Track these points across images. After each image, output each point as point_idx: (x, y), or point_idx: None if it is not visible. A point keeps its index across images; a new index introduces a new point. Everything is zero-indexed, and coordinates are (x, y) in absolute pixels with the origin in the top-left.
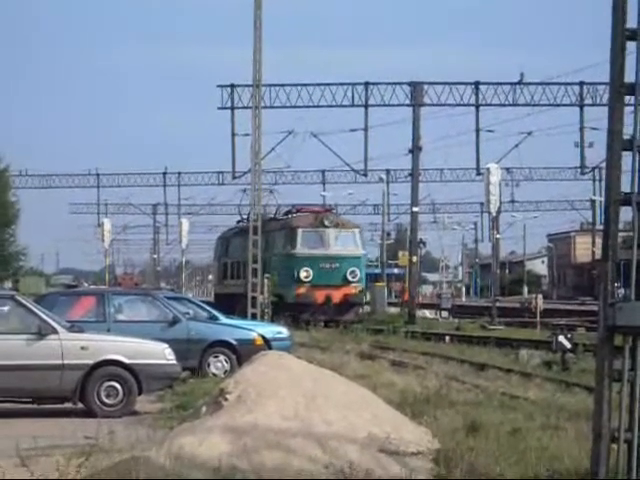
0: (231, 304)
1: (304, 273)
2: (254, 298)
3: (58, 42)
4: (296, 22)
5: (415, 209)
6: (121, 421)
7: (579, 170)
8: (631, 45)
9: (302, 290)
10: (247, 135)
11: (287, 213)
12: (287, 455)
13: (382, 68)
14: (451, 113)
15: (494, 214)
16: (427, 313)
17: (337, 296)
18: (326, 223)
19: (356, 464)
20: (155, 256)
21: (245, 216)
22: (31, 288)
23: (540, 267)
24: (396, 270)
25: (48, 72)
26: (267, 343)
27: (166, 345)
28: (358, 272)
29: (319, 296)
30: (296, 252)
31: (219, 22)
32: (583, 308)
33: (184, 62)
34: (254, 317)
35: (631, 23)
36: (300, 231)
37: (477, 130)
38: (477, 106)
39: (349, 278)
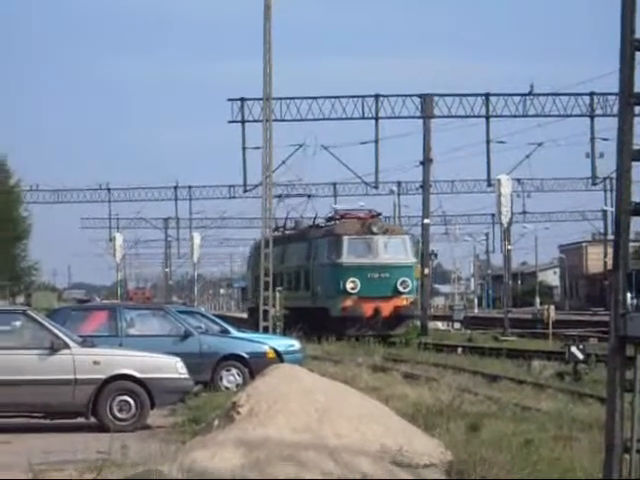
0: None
1: (351, 284)
2: (266, 311)
3: (67, 55)
4: (306, 35)
5: (426, 221)
6: (134, 435)
7: (590, 180)
8: None
9: (349, 302)
10: (258, 148)
11: (330, 219)
12: (299, 468)
13: (392, 80)
14: (461, 124)
15: (505, 225)
16: (439, 325)
17: (387, 309)
18: (374, 229)
19: (369, 476)
20: (167, 270)
21: (281, 224)
22: (43, 303)
23: (552, 278)
24: None
25: (59, 85)
26: (279, 356)
27: (178, 359)
28: (409, 282)
29: (367, 309)
30: (342, 261)
31: (229, 36)
32: (595, 319)
33: (195, 76)
34: (266, 330)
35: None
36: (346, 239)
37: (488, 141)
38: (487, 117)
39: (400, 289)
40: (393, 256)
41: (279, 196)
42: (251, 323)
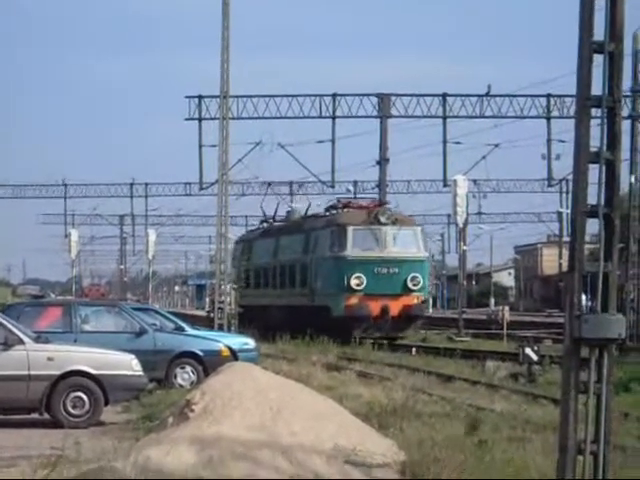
0: (255, 318)
1: (356, 280)
2: (221, 309)
3: (25, 51)
4: (264, 33)
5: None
6: (87, 432)
7: (546, 182)
8: (598, 58)
9: (353, 300)
10: (214, 146)
11: (330, 208)
12: (253, 466)
13: (350, 80)
14: (418, 125)
15: (461, 226)
16: None
17: (396, 307)
18: (382, 219)
19: (322, 475)
20: (122, 267)
21: (270, 215)
22: None
23: (507, 279)
24: None
25: (19, 82)
26: (234, 354)
27: (133, 356)
28: (420, 278)
29: (374, 307)
30: (346, 254)
31: (188, 33)
32: (550, 320)
33: (153, 73)
34: (221, 328)
35: (598, 36)
36: (351, 229)
37: (444, 142)
38: (444, 118)
39: (410, 286)
40: (403, 249)
41: (300, 185)
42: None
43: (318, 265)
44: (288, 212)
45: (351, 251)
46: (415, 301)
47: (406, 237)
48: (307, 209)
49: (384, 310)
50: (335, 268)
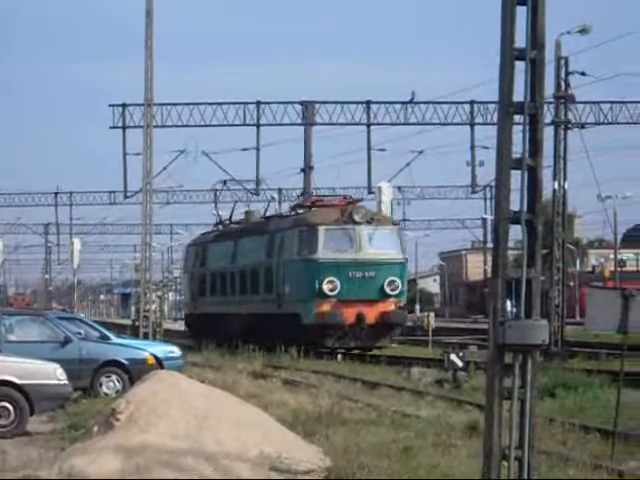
0: (212, 328)
1: (329, 285)
2: (146, 317)
3: None
4: (188, 41)
5: None
6: (12, 442)
7: (470, 189)
8: (520, 64)
9: (326, 307)
10: (138, 154)
11: (296, 207)
12: (179, 474)
13: (274, 88)
14: (343, 132)
15: None
16: None
17: (372, 314)
18: (356, 218)
19: None
20: (47, 276)
21: (226, 216)
22: None
23: (432, 285)
24: None
25: None
26: (159, 362)
27: (57, 365)
28: (399, 283)
29: (348, 315)
30: (317, 257)
31: (112, 39)
32: (475, 326)
33: (77, 81)
34: (146, 336)
35: (520, 43)
36: (322, 229)
37: (369, 149)
38: (368, 125)
39: (387, 291)
40: (380, 251)
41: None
42: (190, 332)
43: (285, 269)
44: (246, 212)
45: (323, 253)
46: (393, 307)
47: (383, 237)
48: (266, 209)
49: (360, 317)
50: (305, 272)
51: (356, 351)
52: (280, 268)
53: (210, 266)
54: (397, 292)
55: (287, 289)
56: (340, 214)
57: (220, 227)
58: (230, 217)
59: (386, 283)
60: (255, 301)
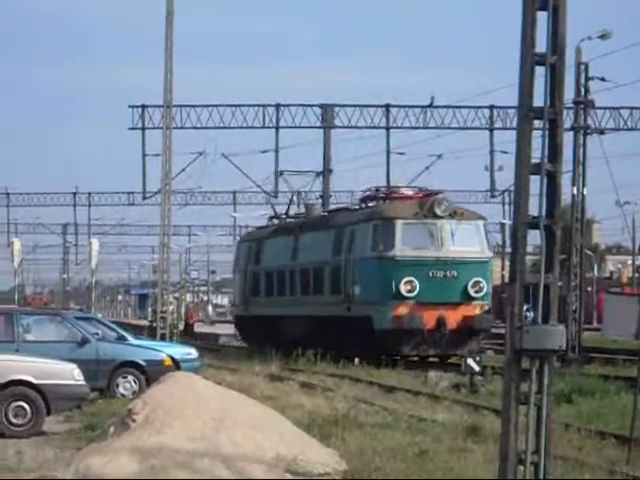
0: (267, 331)
1: (406, 285)
2: (163, 319)
3: None
4: (208, 43)
5: None
6: (29, 441)
7: (489, 193)
8: (540, 69)
9: (403, 310)
10: (158, 155)
11: (366, 199)
12: (194, 475)
13: (293, 90)
14: (362, 135)
15: None
16: None
17: (454, 319)
18: (438, 212)
19: None
20: (65, 276)
21: (283, 210)
22: None
23: None
24: None
25: None
26: (176, 364)
27: (75, 365)
28: (484, 284)
29: (428, 319)
30: (394, 254)
31: (132, 41)
32: (492, 331)
33: (96, 82)
34: (163, 338)
35: (540, 48)
36: (400, 223)
37: (388, 152)
38: (388, 128)
39: (471, 293)
40: (464, 248)
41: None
42: (241, 336)
43: (356, 267)
44: (306, 206)
45: (400, 250)
46: (477, 311)
47: (467, 233)
48: (323, 203)
49: (440, 322)
50: (380, 271)
51: (433, 359)
52: (350, 266)
53: (266, 264)
54: (482, 294)
55: (358, 289)
56: (419, 207)
57: (275, 222)
58: (287, 211)
59: (470, 284)
60: (319, 303)
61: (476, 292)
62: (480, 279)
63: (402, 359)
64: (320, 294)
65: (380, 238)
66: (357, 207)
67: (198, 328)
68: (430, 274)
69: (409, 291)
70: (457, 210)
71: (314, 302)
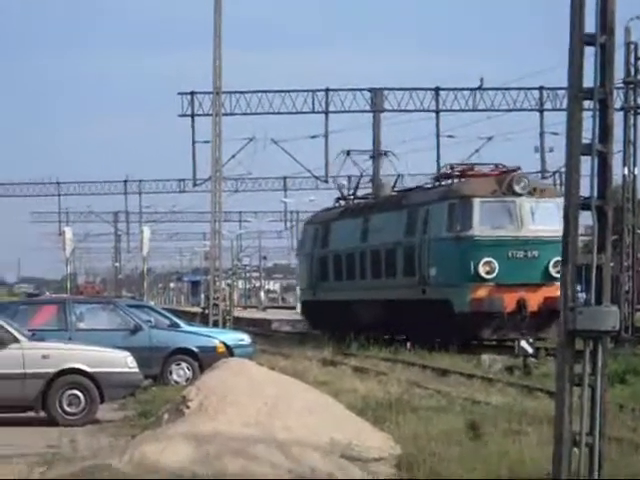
0: (336, 316)
1: (485, 266)
2: (216, 305)
3: (26, 45)
4: (256, 27)
5: None
6: (83, 429)
7: (540, 175)
8: (589, 50)
9: (482, 292)
10: (207, 142)
11: (440, 177)
12: (249, 462)
13: (342, 74)
14: (412, 118)
15: None
16: None
17: (535, 300)
18: (517, 189)
19: (318, 470)
20: (117, 264)
21: (351, 191)
22: None
23: None
24: None
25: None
26: (229, 350)
27: (128, 353)
28: None
29: (509, 301)
30: (473, 234)
31: (180, 28)
32: None
33: (145, 69)
34: (216, 324)
35: (589, 28)
36: (478, 202)
37: (437, 135)
38: (437, 112)
39: (553, 273)
40: (544, 227)
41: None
42: (309, 322)
43: (432, 248)
44: (377, 185)
45: (479, 229)
46: (559, 292)
47: (547, 211)
48: (395, 182)
49: (521, 304)
50: (457, 251)
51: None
52: (424, 247)
53: (334, 247)
54: None
55: (434, 271)
56: (497, 184)
57: (342, 203)
58: (355, 191)
59: (551, 264)
60: (392, 286)
61: (558, 272)
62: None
63: (480, 342)
64: (392, 277)
65: (457, 217)
66: (430, 186)
67: (251, 314)
68: (510, 254)
69: (488, 272)
70: (537, 187)
71: (386, 285)
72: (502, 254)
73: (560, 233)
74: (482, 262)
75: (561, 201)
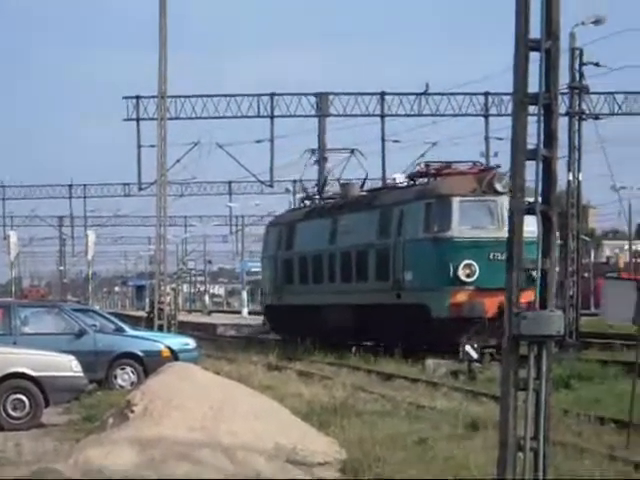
0: (302, 321)
1: (465, 269)
2: (161, 310)
3: None
4: (203, 32)
5: None
6: (28, 434)
7: None
8: (534, 55)
9: (462, 297)
10: (153, 146)
11: (415, 176)
12: (195, 466)
13: (288, 78)
14: (357, 123)
15: None
16: None
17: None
18: (498, 188)
19: (263, 474)
20: (62, 268)
21: (314, 191)
22: None
23: None
24: None
25: None
26: (174, 355)
27: (73, 357)
28: None
29: (489, 306)
30: (452, 235)
31: (125, 32)
32: None
33: (90, 72)
34: (161, 329)
35: (534, 33)
36: (457, 201)
37: (383, 140)
38: (382, 116)
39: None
40: (527, 227)
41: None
42: (272, 327)
43: (407, 250)
44: (343, 185)
45: (458, 230)
46: None
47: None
48: (363, 183)
49: (502, 309)
50: (435, 253)
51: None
52: (399, 249)
53: (300, 248)
54: None
55: (409, 275)
56: (477, 183)
57: (307, 203)
58: (320, 190)
59: None
60: (363, 290)
61: None
62: None
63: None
64: (364, 280)
65: (434, 218)
66: (405, 185)
67: (196, 318)
68: (491, 256)
69: (468, 275)
70: None
71: (357, 289)
72: (483, 256)
73: None
74: (462, 265)
75: None
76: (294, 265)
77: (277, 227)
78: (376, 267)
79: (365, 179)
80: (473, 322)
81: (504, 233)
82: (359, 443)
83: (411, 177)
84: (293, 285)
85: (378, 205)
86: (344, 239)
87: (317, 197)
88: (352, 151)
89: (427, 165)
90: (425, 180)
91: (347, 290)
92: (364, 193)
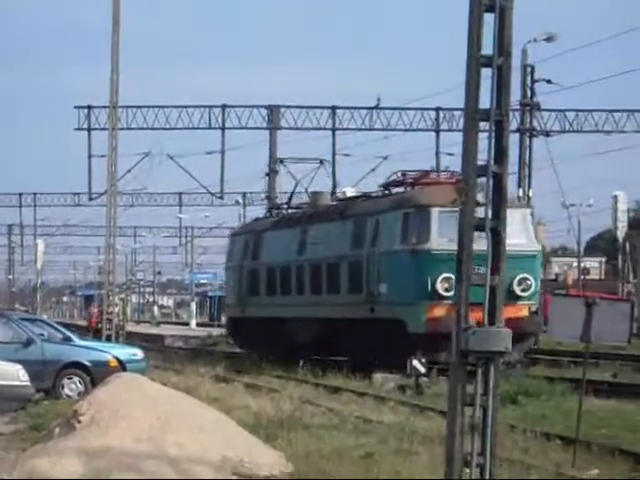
0: (267, 335)
1: (444, 283)
2: (109, 320)
3: None
4: (154, 44)
5: None
6: None
7: None
8: (486, 71)
9: (439, 311)
10: (104, 156)
11: (390, 185)
12: (140, 477)
13: (239, 91)
14: (308, 136)
15: None
16: None
17: None
18: (479, 198)
19: None
20: (10, 277)
21: (283, 201)
22: None
23: None
24: None
25: None
26: (122, 365)
27: (20, 366)
28: (532, 281)
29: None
30: (430, 247)
31: (78, 41)
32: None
33: (42, 82)
34: (109, 339)
35: (487, 50)
36: (435, 212)
37: (333, 154)
38: (334, 130)
39: (517, 291)
40: (509, 240)
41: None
42: (235, 341)
43: (382, 263)
44: (313, 194)
45: (437, 242)
46: (524, 312)
47: (512, 223)
48: (333, 192)
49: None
50: (412, 266)
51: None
52: (374, 261)
53: (267, 259)
54: (529, 293)
55: (384, 288)
56: (457, 193)
57: (274, 213)
58: (289, 200)
59: (516, 282)
60: (334, 303)
61: (523, 291)
62: (527, 275)
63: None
64: (335, 293)
65: (412, 229)
66: (382, 194)
67: (145, 329)
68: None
69: (447, 289)
70: None
71: (327, 302)
72: None
73: (525, 248)
74: (440, 278)
75: (527, 212)
76: (260, 276)
77: (243, 236)
78: (348, 279)
79: (334, 188)
80: (449, 337)
81: (484, 246)
82: (306, 456)
83: (386, 186)
84: (259, 297)
85: (351, 215)
86: (314, 250)
87: (285, 206)
88: (321, 162)
89: (404, 174)
90: (402, 190)
91: (317, 302)
92: (335, 202)
